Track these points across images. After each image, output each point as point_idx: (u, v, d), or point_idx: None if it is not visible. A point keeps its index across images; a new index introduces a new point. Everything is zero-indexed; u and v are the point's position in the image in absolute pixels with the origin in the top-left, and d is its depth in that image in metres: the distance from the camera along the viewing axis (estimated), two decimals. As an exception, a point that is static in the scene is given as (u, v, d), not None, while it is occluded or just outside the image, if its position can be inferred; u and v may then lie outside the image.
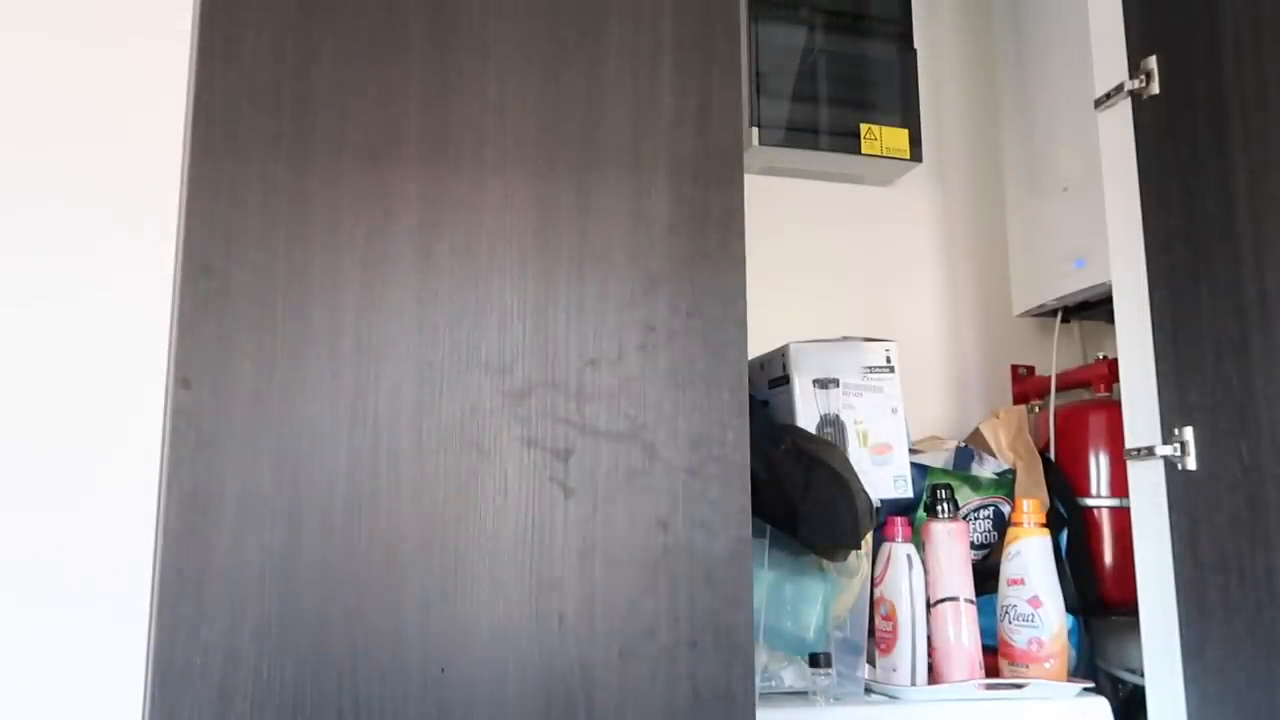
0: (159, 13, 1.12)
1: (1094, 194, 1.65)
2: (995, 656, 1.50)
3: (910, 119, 1.89)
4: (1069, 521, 1.63)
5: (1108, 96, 1.64)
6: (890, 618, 1.44)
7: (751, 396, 1.22)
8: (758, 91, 1.80)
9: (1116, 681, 1.62)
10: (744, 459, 1.18)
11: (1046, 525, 1.53)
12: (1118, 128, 1.63)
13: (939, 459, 1.73)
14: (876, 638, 1.46)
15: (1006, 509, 1.65)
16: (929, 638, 1.45)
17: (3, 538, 1.01)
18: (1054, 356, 1.88)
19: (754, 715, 1.13)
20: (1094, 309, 1.82)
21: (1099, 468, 1.66)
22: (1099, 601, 1.61)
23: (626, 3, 1.23)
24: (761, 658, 1.40)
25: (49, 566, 1.02)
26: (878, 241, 2.00)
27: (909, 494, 1.61)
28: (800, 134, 1.83)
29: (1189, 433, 1.37)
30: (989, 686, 1.41)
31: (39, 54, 1.09)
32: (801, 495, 1.39)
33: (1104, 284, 1.67)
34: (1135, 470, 1.43)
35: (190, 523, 1.02)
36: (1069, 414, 1.74)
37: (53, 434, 1.04)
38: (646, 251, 1.19)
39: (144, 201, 1.09)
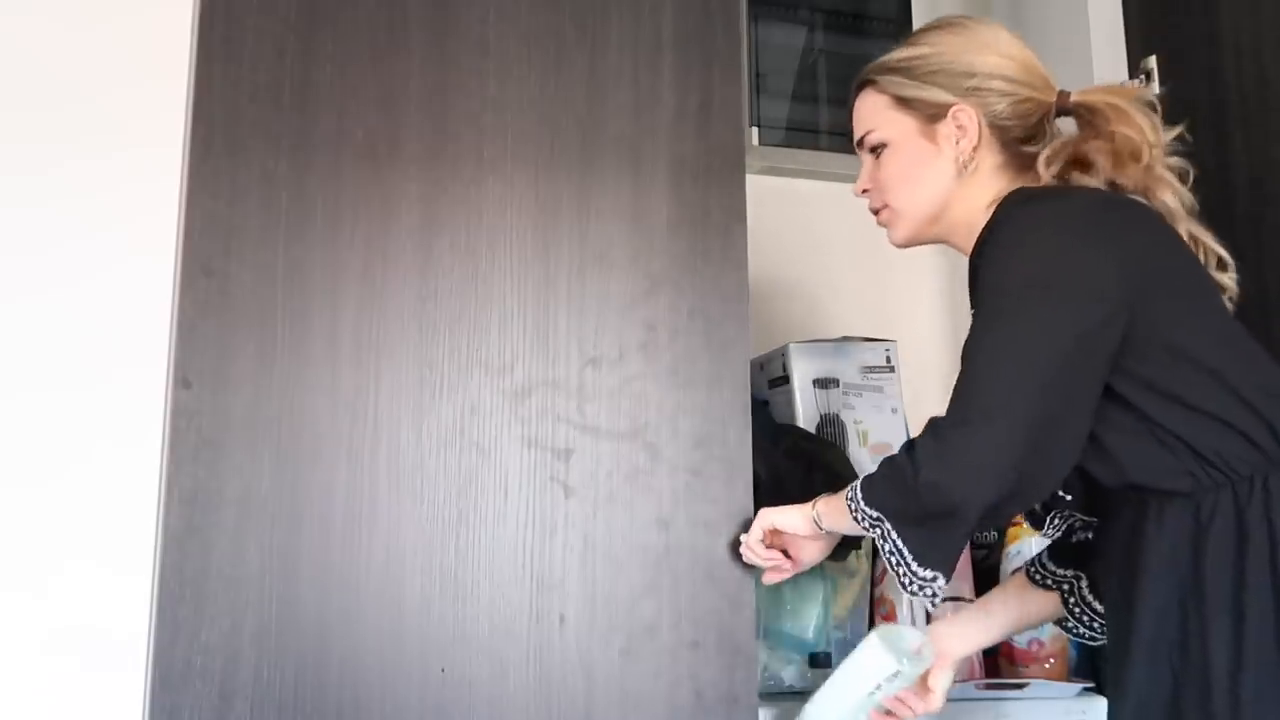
0: (160, 12, 1.12)
1: (1094, 194, 1.65)
2: (995, 656, 1.49)
3: (910, 119, 1.89)
4: (1069, 521, 1.62)
5: (1108, 96, 1.64)
6: (890, 618, 1.43)
7: (751, 396, 1.22)
8: (758, 91, 1.80)
9: (1116, 681, 1.62)
10: (746, 458, 1.18)
11: (1046, 525, 1.53)
12: (1118, 128, 1.62)
13: (939, 459, 1.72)
14: (877, 638, 1.46)
15: (1006, 509, 1.64)
16: (929, 638, 1.44)
17: (4, 537, 1.01)
18: (1053, 356, 1.87)
19: (756, 717, 1.13)
20: (1094, 309, 1.82)
21: (1099, 468, 1.65)
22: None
23: (626, 1, 1.23)
24: (761, 658, 1.39)
25: (49, 566, 1.02)
26: (878, 241, 1.99)
27: (909, 494, 1.60)
28: (800, 134, 1.82)
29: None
30: (989, 686, 1.41)
31: (38, 52, 1.09)
32: (801, 496, 1.38)
33: (1104, 284, 1.66)
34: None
35: (190, 523, 1.02)
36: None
37: (53, 434, 1.03)
38: (647, 251, 1.19)
39: (144, 201, 1.09)
